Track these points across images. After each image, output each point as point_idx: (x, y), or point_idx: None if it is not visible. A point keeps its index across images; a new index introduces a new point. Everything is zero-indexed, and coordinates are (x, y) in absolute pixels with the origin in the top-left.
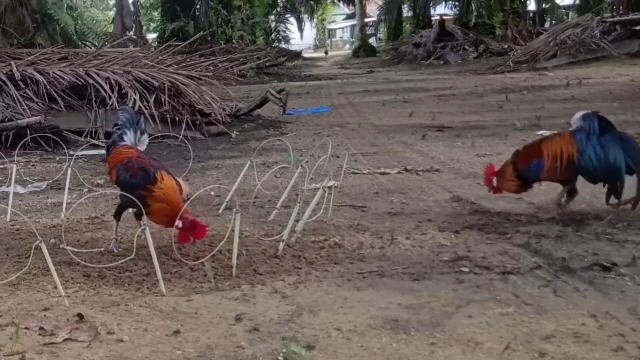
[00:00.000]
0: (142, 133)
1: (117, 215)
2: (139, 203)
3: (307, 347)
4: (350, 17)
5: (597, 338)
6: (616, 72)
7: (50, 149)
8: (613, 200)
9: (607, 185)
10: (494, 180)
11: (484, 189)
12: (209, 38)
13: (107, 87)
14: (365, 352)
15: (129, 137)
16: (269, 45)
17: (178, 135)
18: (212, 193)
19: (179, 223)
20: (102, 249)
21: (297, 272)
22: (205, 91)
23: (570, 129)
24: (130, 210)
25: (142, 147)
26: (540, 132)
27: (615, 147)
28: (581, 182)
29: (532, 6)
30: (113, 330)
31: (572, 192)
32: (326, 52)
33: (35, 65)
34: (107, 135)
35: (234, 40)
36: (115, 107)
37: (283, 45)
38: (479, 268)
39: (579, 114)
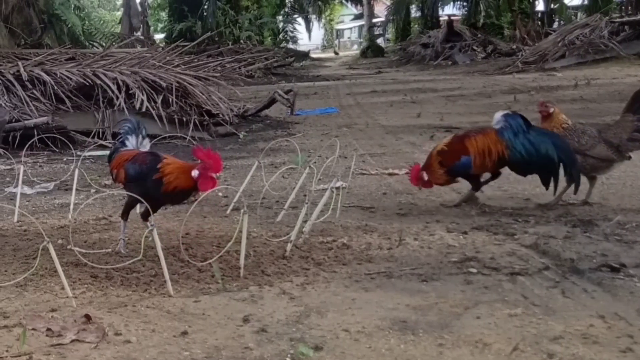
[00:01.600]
0: (143, 138)
1: (125, 215)
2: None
3: (315, 348)
4: (358, 17)
5: (605, 339)
6: (625, 73)
7: (57, 150)
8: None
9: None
10: (424, 175)
11: (492, 189)
12: (217, 38)
13: (114, 87)
14: (373, 353)
15: (130, 142)
16: (276, 46)
17: (186, 136)
18: (220, 194)
19: (194, 172)
20: (109, 250)
21: (305, 273)
22: (212, 92)
23: (494, 126)
24: (137, 210)
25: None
26: None
27: (545, 140)
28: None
29: (540, 6)
30: (120, 332)
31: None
32: (336, 53)
33: (43, 65)
34: (115, 135)
35: (241, 41)
36: (123, 108)
37: (291, 45)
38: (487, 269)
39: (499, 114)
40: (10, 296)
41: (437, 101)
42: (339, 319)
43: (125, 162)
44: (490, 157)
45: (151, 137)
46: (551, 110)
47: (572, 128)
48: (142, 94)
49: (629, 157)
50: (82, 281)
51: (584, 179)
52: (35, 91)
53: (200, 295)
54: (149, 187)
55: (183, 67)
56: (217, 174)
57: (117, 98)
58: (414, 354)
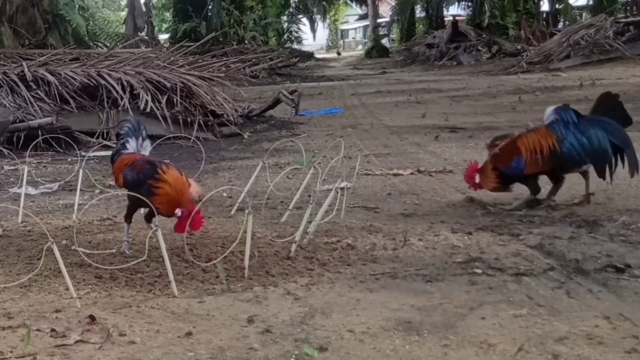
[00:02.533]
0: (143, 139)
1: (128, 217)
2: (146, 200)
3: (319, 349)
4: (362, 17)
5: (610, 340)
6: (630, 73)
7: (61, 150)
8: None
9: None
10: (477, 177)
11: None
12: (221, 39)
13: (118, 88)
14: (378, 354)
15: (131, 145)
16: (281, 46)
17: (190, 137)
18: (225, 194)
19: (178, 211)
20: (114, 251)
21: (309, 273)
22: (217, 92)
23: (545, 122)
24: (141, 211)
25: (145, 153)
26: None
27: (595, 129)
28: (595, 186)
29: (545, 7)
30: (125, 332)
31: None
32: (339, 53)
33: (47, 66)
34: (119, 136)
35: (246, 41)
36: (127, 109)
37: (295, 46)
38: (492, 269)
39: (550, 108)
40: (15, 297)
41: (442, 101)
42: (343, 319)
43: (125, 167)
44: (542, 153)
45: (155, 137)
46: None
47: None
48: (147, 95)
49: None
50: (87, 282)
51: (574, 176)
52: (39, 91)
53: (204, 296)
54: (145, 189)
55: (187, 67)
56: (191, 230)
57: (122, 98)
58: (419, 355)
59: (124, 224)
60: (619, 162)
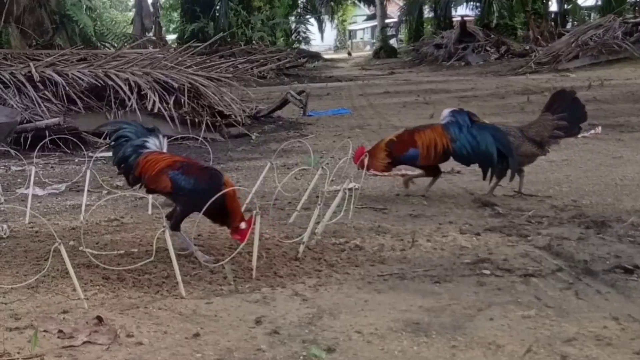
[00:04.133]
0: (158, 137)
1: (178, 226)
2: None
3: (327, 350)
4: (370, 18)
5: (619, 341)
6: (638, 74)
7: (69, 151)
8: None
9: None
10: (366, 159)
11: (506, 191)
12: (229, 39)
13: (126, 88)
14: (386, 355)
15: (153, 143)
16: (289, 47)
17: (198, 137)
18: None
19: (243, 224)
20: (122, 252)
21: (317, 274)
22: (225, 92)
23: (441, 122)
24: (149, 211)
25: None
26: None
27: (486, 135)
28: (604, 187)
29: (553, 7)
30: (132, 333)
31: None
32: (349, 54)
33: (54, 66)
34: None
35: (254, 42)
36: (135, 109)
37: (303, 46)
38: (501, 270)
39: (447, 110)
40: (22, 298)
41: (450, 102)
42: (351, 320)
43: (168, 169)
44: (435, 150)
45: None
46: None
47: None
48: (154, 95)
49: (548, 151)
50: (94, 283)
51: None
52: (46, 92)
53: (212, 297)
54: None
55: (195, 67)
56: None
57: (129, 99)
58: (427, 356)
59: (177, 235)
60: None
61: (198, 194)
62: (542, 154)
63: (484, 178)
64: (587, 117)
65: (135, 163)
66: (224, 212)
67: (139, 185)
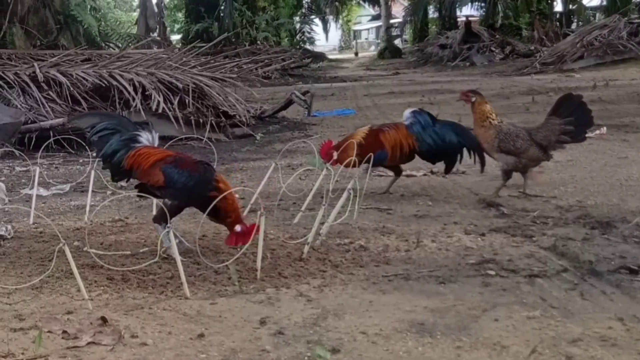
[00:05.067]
0: (149, 132)
1: (168, 220)
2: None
3: (332, 351)
4: (375, 18)
5: (624, 341)
6: None
7: (73, 151)
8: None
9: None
10: (335, 154)
11: (510, 191)
12: (234, 39)
13: (130, 88)
14: (391, 355)
15: (145, 138)
16: (293, 47)
17: (202, 138)
18: (237, 195)
19: (238, 227)
20: (127, 252)
21: (322, 275)
22: (229, 93)
23: (404, 122)
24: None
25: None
26: None
27: (448, 131)
28: (609, 187)
29: (558, 7)
30: (137, 334)
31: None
32: (356, 54)
33: (59, 66)
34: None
35: (258, 42)
36: (139, 110)
37: (308, 46)
38: (506, 271)
39: (408, 111)
40: (26, 298)
41: (455, 102)
42: (356, 321)
43: (161, 163)
44: (402, 150)
45: (168, 138)
46: (473, 99)
47: (507, 132)
48: (159, 95)
49: (551, 157)
50: (98, 283)
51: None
52: (51, 92)
53: (216, 298)
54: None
55: (200, 68)
56: (241, 244)
57: (134, 99)
58: (432, 357)
59: (159, 227)
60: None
61: (190, 188)
62: (546, 159)
63: (448, 171)
64: (594, 123)
65: (125, 157)
66: (215, 211)
67: (125, 180)
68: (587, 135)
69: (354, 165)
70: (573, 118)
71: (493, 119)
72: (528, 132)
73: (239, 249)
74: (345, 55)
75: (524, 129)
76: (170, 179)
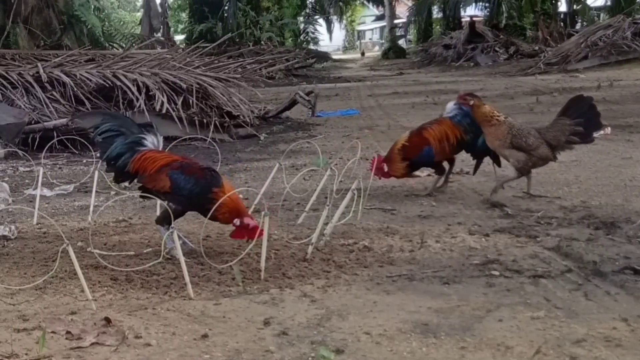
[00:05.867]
0: (155, 135)
1: (170, 222)
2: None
3: (336, 351)
4: (379, 18)
5: (628, 342)
6: None
7: (77, 152)
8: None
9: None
10: (385, 167)
11: (515, 191)
12: (237, 39)
13: (134, 89)
14: (395, 356)
15: (150, 141)
16: (297, 47)
17: (206, 138)
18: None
19: (236, 221)
20: (131, 253)
21: (326, 275)
22: (233, 93)
23: (446, 115)
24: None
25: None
26: None
27: None
28: (613, 188)
29: (563, 7)
30: (141, 334)
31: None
32: (363, 53)
33: (62, 67)
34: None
35: (262, 42)
36: (143, 110)
37: (312, 46)
38: (510, 272)
39: (451, 103)
40: (30, 299)
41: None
42: (360, 321)
43: (167, 169)
44: (449, 142)
45: (172, 138)
46: (471, 102)
47: (519, 127)
48: (163, 96)
49: (557, 157)
50: (102, 284)
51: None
52: (54, 92)
53: (220, 298)
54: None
55: (203, 68)
56: (248, 238)
57: (137, 99)
58: (436, 357)
59: (161, 228)
60: None
61: (196, 195)
62: (553, 159)
63: (498, 164)
64: (602, 125)
65: (131, 160)
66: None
67: (128, 182)
68: (594, 137)
69: (407, 174)
70: (583, 119)
71: (499, 117)
72: (537, 131)
73: (244, 247)
74: (349, 56)
75: (533, 128)
76: (176, 185)
